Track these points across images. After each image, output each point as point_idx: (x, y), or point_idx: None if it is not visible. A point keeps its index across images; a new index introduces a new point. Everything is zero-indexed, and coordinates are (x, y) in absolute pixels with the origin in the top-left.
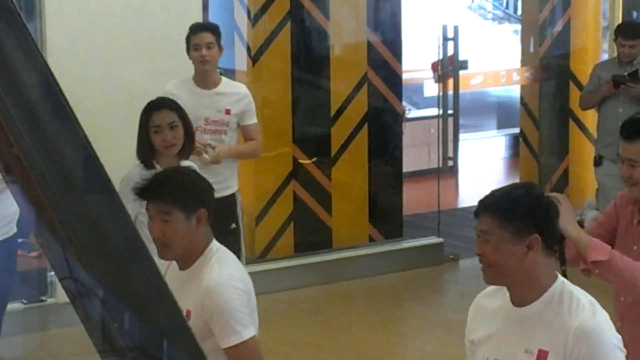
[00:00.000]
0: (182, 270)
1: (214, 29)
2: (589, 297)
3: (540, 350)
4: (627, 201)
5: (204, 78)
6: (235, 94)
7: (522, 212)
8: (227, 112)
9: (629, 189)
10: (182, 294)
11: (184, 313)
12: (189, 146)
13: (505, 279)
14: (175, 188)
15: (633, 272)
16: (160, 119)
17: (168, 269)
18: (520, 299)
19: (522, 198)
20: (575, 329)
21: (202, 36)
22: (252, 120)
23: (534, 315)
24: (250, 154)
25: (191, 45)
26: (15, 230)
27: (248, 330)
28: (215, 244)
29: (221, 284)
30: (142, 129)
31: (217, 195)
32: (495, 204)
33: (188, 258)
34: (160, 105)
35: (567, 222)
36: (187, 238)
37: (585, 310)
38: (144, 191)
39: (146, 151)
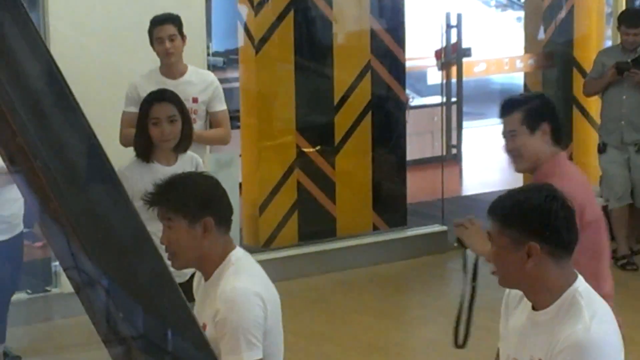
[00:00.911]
0: (205, 281)
1: (175, 20)
2: (599, 309)
3: (539, 359)
4: None
5: (170, 69)
6: (201, 82)
7: (520, 219)
8: (195, 100)
9: (514, 162)
10: (202, 306)
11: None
12: (186, 140)
13: (512, 284)
14: (175, 194)
15: None
16: (160, 111)
17: (200, 281)
18: (535, 303)
19: (522, 203)
20: (562, 340)
21: (164, 29)
22: (221, 107)
23: (545, 322)
24: (218, 140)
25: (154, 39)
26: (21, 228)
27: (250, 353)
28: (236, 253)
29: (236, 297)
30: (141, 120)
31: None
32: (498, 208)
33: (204, 269)
34: (161, 97)
35: (474, 244)
36: (194, 247)
37: (580, 323)
38: (151, 196)
39: (143, 143)
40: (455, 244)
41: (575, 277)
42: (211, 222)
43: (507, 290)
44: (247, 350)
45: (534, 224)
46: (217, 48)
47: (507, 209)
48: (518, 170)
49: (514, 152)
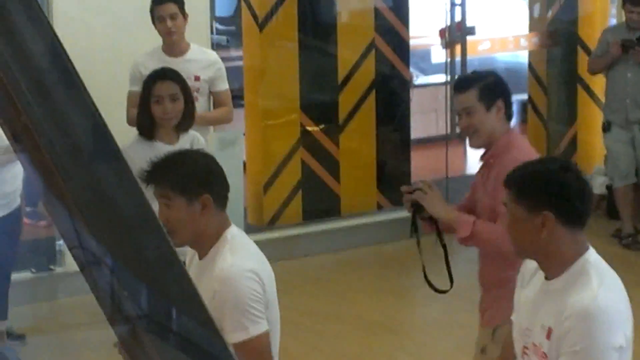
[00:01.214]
0: (200, 259)
1: None
2: (607, 278)
3: (549, 328)
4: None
5: (172, 47)
6: (203, 60)
7: (535, 188)
8: (197, 78)
9: (470, 139)
10: (198, 284)
11: None
12: (188, 119)
13: (527, 253)
14: (174, 172)
15: (497, 237)
16: (162, 89)
17: (193, 258)
18: (547, 273)
19: (538, 174)
20: (569, 307)
21: (165, 7)
22: (223, 86)
23: (556, 291)
24: (221, 120)
25: (155, 17)
26: (17, 203)
27: (257, 327)
28: (231, 231)
29: (233, 275)
30: (143, 98)
31: None
32: (514, 178)
33: (201, 246)
34: (163, 75)
35: (432, 206)
36: (192, 224)
37: (587, 291)
38: (147, 174)
39: (146, 121)
40: (408, 211)
41: (587, 248)
42: (209, 199)
43: (523, 263)
44: (252, 324)
45: (548, 193)
46: (220, 26)
47: (522, 179)
48: (474, 146)
49: (471, 128)
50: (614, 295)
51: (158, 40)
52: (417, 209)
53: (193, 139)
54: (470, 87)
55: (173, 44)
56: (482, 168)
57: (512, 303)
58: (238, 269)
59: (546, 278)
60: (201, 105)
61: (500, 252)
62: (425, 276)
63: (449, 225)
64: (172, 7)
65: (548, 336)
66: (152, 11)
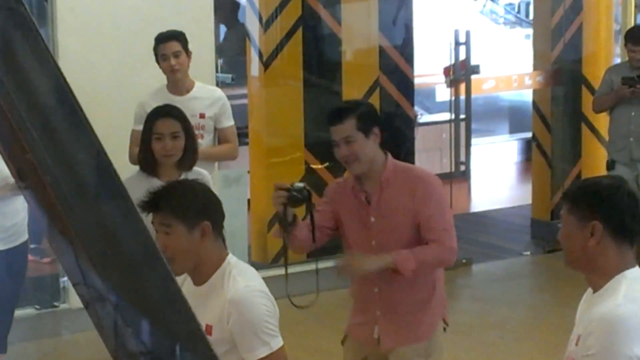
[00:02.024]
0: (198, 285)
1: (179, 37)
2: (636, 292)
3: (578, 335)
4: (342, 188)
5: (176, 85)
6: (208, 98)
7: (587, 199)
8: (202, 115)
9: (351, 167)
10: (199, 309)
11: (204, 328)
12: (190, 158)
13: (576, 264)
14: (175, 200)
15: (439, 256)
16: (163, 127)
17: (183, 285)
18: (593, 286)
19: (592, 187)
20: (593, 313)
21: (169, 46)
22: (228, 122)
23: (594, 303)
24: (225, 156)
25: (159, 56)
26: (24, 238)
27: (276, 340)
28: (232, 257)
29: (249, 295)
30: (145, 135)
31: None
32: (569, 192)
33: (201, 272)
34: (165, 113)
35: (369, 265)
36: (192, 252)
37: (612, 299)
38: (146, 203)
39: (147, 158)
40: (278, 208)
41: (632, 266)
42: (209, 226)
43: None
44: (272, 339)
45: (598, 204)
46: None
47: (577, 192)
48: (356, 173)
49: (351, 157)
50: (637, 307)
51: (163, 79)
52: (286, 206)
53: (199, 177)
54: (348, 117)
55: (177, 82)
56: (369, 193)
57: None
58: (251, 290)
59: (593, 292)
60: (206, 142)
61: (444, 266)
62: (286, 286)
63: (387, 267)
64: (176, 45)
65: (577, 343)
66: (155, 50)
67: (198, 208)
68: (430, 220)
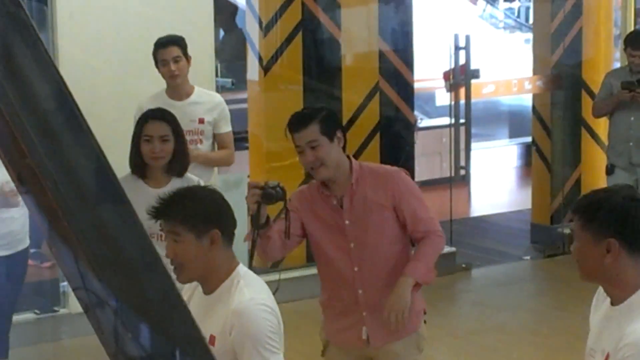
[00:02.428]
0: (207, 294)
1: (179, 42)
2: None
3: (607, 353)
4: (308, 195)
5: (176, 90)
6: (208, 103)
7: (600, 215)
8: (201, 121)
9: (317, 172)
10: (206, 318)
11: (207, 338)
12: (180, 162)
13: (591, 278)
14: (183, 208)
15: (436, 250)
16: (153, 129)
17: (194, 294)
18: (612, 298)
19: (604, 202)
20: (625, 335)
21: (169, 51)
22: (226, 128)
23: (617, 317)
24: (223, 162)
25: (159, 61)
26: (24, 246)
27: (276, 357)
28: (242, 268)
29: (253, 308)
30: (135, 138)
31: None
32: (581, 207)
33: (210, 281)
34: (155, 115)
35: (402, 305)
36: (201, 260)
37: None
38: (155, 210)
39: (136, 160)
40: (251, 206)
41: None
42: (218, 234)
43: (598, 288)
44: (272, 355)
45: (613, 221)
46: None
47: (589, 207)
48: (322, 177)
49: (317, 162)
50: None
51: (163, 83)
52: (260, 204)
53: (189, 184)
54: (311, 122)
55: (177, 87)
56: (339, 197)
57: None
58: (256, 303)
59: (612, 303)
60: (205, 148)
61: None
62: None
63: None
64: (175, 50)
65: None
66: (154, 55)
67: (207, 216)
68: (416, 213)
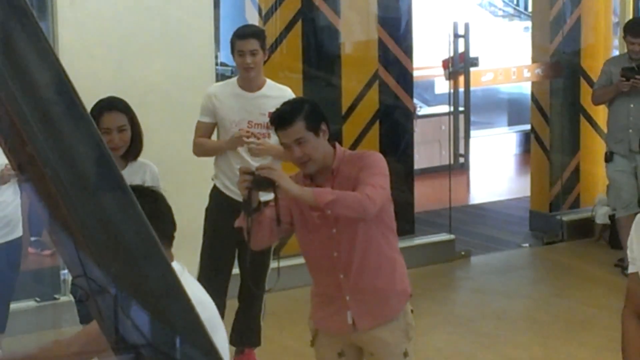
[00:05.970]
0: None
1: (259, 35)
2: None
3: None
4: (295, 182)
5: (248, 82)
6: (279, 97)
7: None
8: (270, 114)
9: (305, 167)
10: None
11: None
12: (135, 148)
13: None
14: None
15: (359, 200)
16: (109, 121)
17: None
18: None
19: None
20: None
21: (247, 43)
22: None
23: None
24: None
25: (235, 50)
26: (18, 234)
27: None
28: (176, 265)
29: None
30: None
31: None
32: None
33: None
34: (111, 106)
35: (286, 182)
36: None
37: None
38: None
39: None
40: (243, 193)
41: None
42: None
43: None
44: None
45: None
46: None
47: None
48: (311, 172)
49: (305, 157)
50: None
51: (166, 72)
52: (251, 190)
53: (142, 168)
54: (296, 119)
55: (250, 80)
56: (321, 184)
57: None
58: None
59: None
60: (272, 142)
61: (365, 216)
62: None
63: (303, 199)
64: (254, 43)
65: None
66: (232, 43)
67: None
68: (359, 178)
